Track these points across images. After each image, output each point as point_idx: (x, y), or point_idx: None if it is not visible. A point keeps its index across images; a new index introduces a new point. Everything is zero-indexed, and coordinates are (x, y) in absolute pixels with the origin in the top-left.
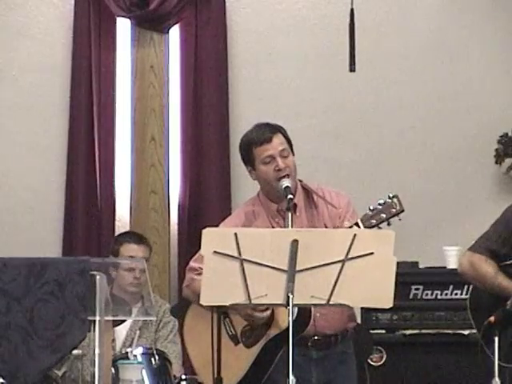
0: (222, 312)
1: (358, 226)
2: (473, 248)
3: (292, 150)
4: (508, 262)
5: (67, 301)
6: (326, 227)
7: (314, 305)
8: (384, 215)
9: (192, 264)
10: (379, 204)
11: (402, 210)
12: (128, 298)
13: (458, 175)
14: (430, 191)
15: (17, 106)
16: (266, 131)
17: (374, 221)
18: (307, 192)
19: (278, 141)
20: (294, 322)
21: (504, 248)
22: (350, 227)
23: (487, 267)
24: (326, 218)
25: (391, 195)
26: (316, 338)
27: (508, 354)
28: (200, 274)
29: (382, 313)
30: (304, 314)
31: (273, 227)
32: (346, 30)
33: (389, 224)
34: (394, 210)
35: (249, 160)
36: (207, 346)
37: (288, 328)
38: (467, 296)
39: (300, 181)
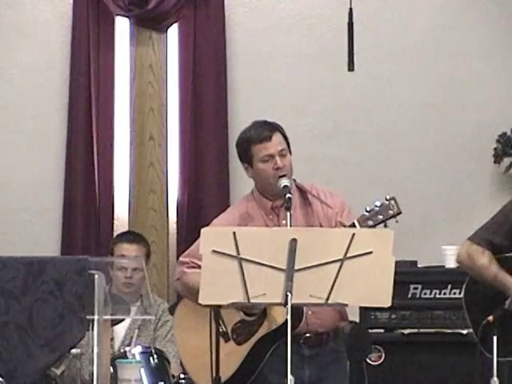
0: (214, 308)
1: (355, 227)
2: (471, 238)
3: (289, 149)
4: (508, 255)
5: (66, 300)
6: (321, 226)
7: (313, 304)
8: (381, 216)
9: (182, 258)
10: (376, 205)
11: (400, 212)
12: (124, 297)
13: (457, 174)
14: (428, 190)
15: (15, 105)
16: (265, 129)
17: (371, 222)
18: (301, 191)
19: (277, 140)
20: (286, 319)
21: (503, 240)
22: (349, 226)
23: (483, 258)
24: (321, 217)
25: (388, 197)
26: (308, 335)
27: (503, 347)
28: (191, 267)
29: (381, 312)
30: (296, 311)
31: (267, 225)
32: (345, 29)
33: (385, 226)
34: (391, 212)
35: (246, 157)
36: (197, 342)
37: (281, 325)
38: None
39: (294, 180)
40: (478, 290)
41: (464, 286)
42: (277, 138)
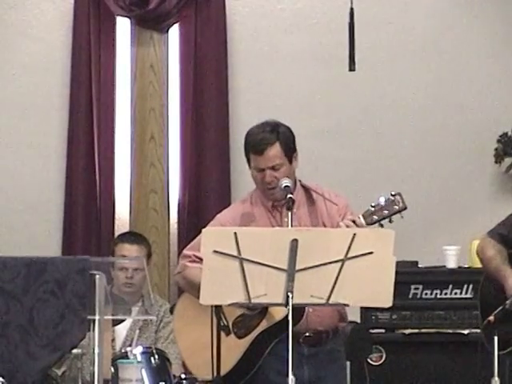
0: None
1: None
2: (488, 232)
3: (292, 156)
4: None
5: (67, 300)
6: (324, 225)
7: (314, 304)
8: (386, 212)
9: (185, 252)
10: (381, 201)
11: (405, 208)
12: (125, 298)
13: (458, 174)
14: (429, 190)
15: (16, 105)
16: (262, 140)
17: (376, 217)
18: (306, 190)
19: (270, 154)
20: (286, 316)
21: None
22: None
23: (491, 250)
24: (325, 216)
25: (394, 193)
26: (307, 334)
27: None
28: (193, 261)
29: (382, 312)
30: (297, 308)
31: (270, 222)
32: (346, 29)
33: (390, 221)
34: (396, 208)
35: (247, 157)
36: (198, 335)
37: (281, 320)
38: (467, 295)
39: (299, 180)
40: (492, 291)
41: (479, 287)
42: (271, 151)
